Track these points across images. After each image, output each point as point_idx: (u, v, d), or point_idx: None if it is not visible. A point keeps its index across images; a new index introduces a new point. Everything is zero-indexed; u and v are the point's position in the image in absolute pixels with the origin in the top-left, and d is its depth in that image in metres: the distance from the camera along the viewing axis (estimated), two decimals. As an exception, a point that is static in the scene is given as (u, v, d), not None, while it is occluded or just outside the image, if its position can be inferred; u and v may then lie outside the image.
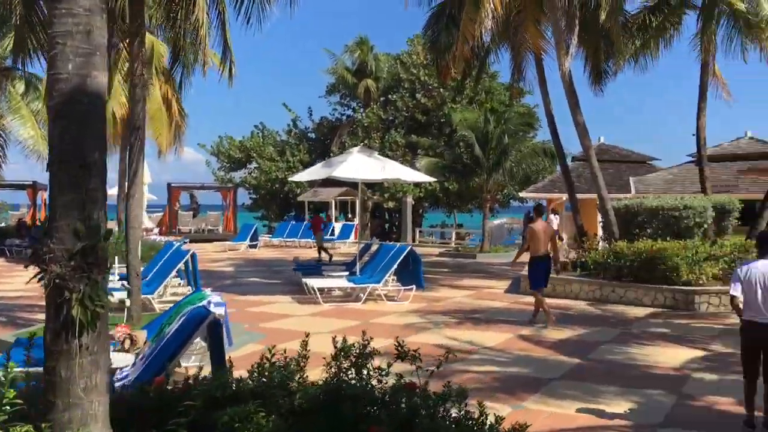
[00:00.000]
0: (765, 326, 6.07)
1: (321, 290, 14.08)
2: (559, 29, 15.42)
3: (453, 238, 33.69)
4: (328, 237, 31.46)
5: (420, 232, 37.22)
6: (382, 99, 38.97)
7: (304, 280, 14.78)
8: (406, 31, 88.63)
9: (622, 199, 17.76)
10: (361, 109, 40.04)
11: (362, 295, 14.16)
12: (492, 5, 14.08)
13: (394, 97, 37.48)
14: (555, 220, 27.86)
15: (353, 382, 4.28)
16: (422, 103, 36.50)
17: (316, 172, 15.89)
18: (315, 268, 16.80)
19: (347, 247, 29.26)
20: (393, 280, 15.01)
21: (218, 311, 6.97)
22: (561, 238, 28.04)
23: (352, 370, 4.42)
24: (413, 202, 35.10)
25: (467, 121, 26.78)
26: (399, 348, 4.36)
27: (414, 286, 14.37)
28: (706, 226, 15.13)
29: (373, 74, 39.67)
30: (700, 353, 9.38)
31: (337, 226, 32.44)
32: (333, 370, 4.35)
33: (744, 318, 6.25)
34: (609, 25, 16.28)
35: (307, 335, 4.72)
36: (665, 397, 7.28)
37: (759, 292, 6.06)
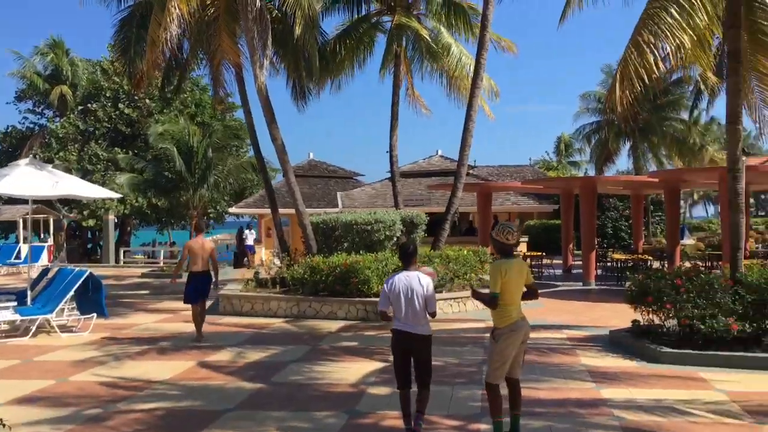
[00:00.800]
0: (411, 335, 6.22)
1: (-23, 326, 11.98)
2: (253, 41, 15.09)
3: (162, 257, 31.84)
4: (13, 260, 27.79)
5: (127, 251, 34.60)
6: (80, 108, 35.64)
7: (-46, 315, 12.45)
8: (107, 36, 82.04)
9: (321, 213, 18.00)
10: (57, 119, 36.22)
11: (32, 327, 12.32)
12: (178, 11, 13.26)
13: (95, 106, 34.51)
14: (251, 236, 27.82)
15: None
16: (127, 114, 34.10)
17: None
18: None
19: (37, 272, 25.91)
20: (72, 308, 13.36)
21: None
22: (254, 252, 28.10)
23: None
24: (116, 220, 32.51)
25: (172, 134, 25.44)
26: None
27: (95, 315, 12.90)
28: (395, 238, 15.87)
29: (70, 80, 36.17)
30: (379, 365, 9.51)
31: (25, 248, 28.69)
32: None
33: (393, 328, 6.33)
34: (304, 40, 16.38)
35: None
36: (337, 417, 7.10)
37: (403, 302, 6.18)
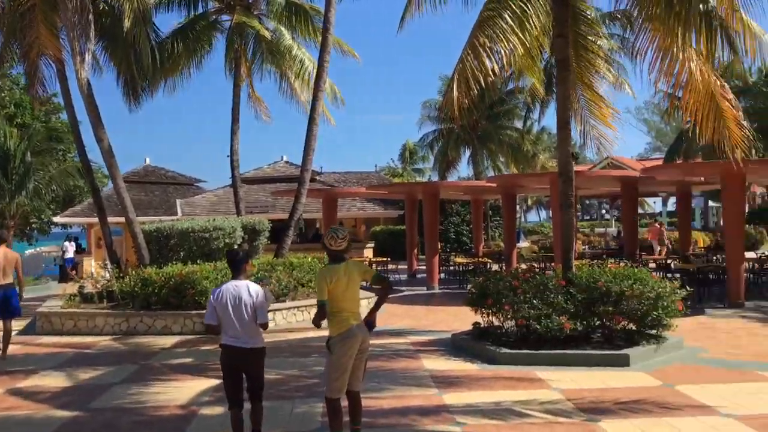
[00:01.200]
0: (241, 350, 5.74)
1: None
2: (75, 34, 13.80)
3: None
4: None
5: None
6: None
7: None
8: None
9: (156, 221, 16.88)
10: None
11: None
12: (-18, -6, 11.81)
13: None
14: (71, 248, 25.88)
15: None
16: (-69, 114, 30.43)
17: None
18: None
19: None
20: None
21: None
22: (76, 265, 26.12)
23: None
24: None
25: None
26: None
27: None
28: (237, 246, 15.14)
29: None
30: (215, 382, 8.81)
31: None
32: None
33: (222, 343, 5.82)
34: (135, 36, 15.28)
35: None
36: (162, 444, 6.43)
37: (231, 313, 5.69)
